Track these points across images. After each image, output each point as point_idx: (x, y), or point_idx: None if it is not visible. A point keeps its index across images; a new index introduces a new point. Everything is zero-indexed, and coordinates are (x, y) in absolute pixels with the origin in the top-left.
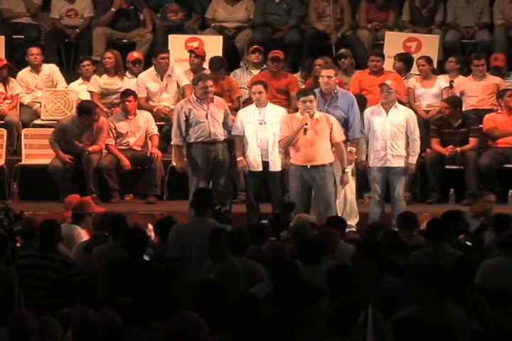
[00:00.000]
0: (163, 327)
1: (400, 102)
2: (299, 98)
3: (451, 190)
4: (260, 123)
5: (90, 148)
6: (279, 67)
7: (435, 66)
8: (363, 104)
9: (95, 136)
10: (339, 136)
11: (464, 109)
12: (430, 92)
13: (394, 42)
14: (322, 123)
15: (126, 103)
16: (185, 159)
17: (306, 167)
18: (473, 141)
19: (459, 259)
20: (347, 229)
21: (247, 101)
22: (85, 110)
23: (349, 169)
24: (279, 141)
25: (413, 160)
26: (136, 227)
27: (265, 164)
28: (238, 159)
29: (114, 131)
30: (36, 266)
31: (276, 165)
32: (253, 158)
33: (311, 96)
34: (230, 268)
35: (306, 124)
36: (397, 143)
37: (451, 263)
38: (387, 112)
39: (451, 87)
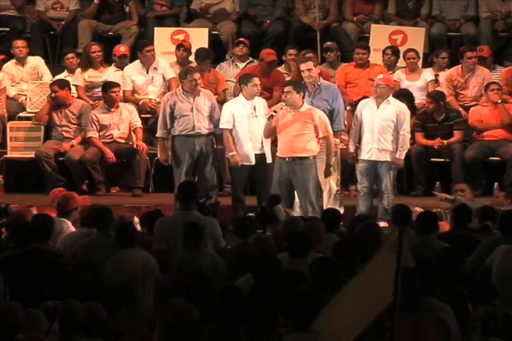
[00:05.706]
0: (156, 314)
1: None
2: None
3: (437, 182)
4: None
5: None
6: (273, 68)
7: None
8: None
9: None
10: (325, 130)
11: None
12: (416, 85)
13: (380, 35)
14: (305, 117)
15: (112, 94)
16: (168, 151)
17: (286, 159)
18: (458, 134)
19: (444, 251)
20: None
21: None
22: None
23: (333, 162)
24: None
25: (401, 155)
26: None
27: (256, 157)
28: (231, 154)
29: (97, 123)
30: (22, 258)
31: (268, 158)
32: (247, 152)
33: (289, 87)
34: (215, 260)
35: (274, 112)
36: (385, 137)
37: (436, 255)
38: (377, 106)
39: (436, 80)
